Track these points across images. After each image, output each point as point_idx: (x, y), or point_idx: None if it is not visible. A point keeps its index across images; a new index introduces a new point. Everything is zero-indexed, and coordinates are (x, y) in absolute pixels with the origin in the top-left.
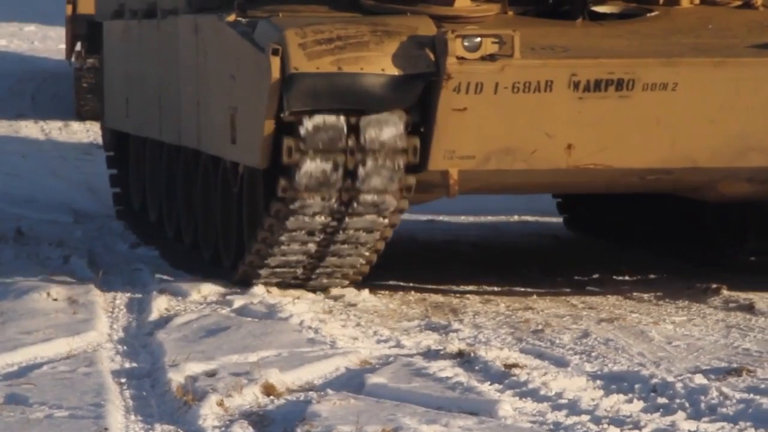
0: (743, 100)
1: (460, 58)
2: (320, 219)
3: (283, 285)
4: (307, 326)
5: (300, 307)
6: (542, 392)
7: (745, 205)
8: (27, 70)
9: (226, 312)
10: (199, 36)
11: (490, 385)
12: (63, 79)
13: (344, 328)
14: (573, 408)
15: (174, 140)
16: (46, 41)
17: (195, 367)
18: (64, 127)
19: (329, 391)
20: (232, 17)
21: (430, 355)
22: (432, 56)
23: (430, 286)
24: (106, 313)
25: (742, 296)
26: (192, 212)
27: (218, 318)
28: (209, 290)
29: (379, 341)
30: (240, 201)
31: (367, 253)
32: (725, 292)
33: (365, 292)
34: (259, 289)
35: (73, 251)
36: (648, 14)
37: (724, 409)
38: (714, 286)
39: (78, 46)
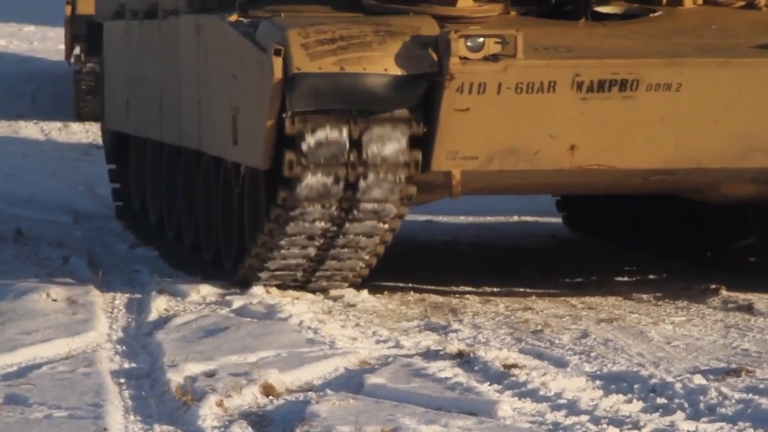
0: (747, 101)
1: (463, 59)
2: (320, 224)
3: (283, 286)
4: (306, 327)
5: (299, 307)
6: (541, 392)
7: (747, 205)
8: (26, 70)
9: (225, 312)
10: (201, 36)
11: (490, 385)
12: (62, 79)
13: (343, 329)
14: (572, 408)
15: (175, 141)
16: (46, 42)
17: (194, 368)
18: (64, 128)
19: (328, 391)
20: (233, 17)
21: (430, 355)
22: (435, 56)
23: (429, 287)
24: (105, 314)
25: (741, 297)
26: (193, 213)
27: (217, 318)
28: (208, 291)
29: (378, 341)
30: (241, 202)
31: (366, 257)
32: (724, 293)
33: (364, 293)
34: (258, 290)
35: (73, 252)
36: (651, 14)
37: (723, 410)
38: (713, 286)
39: (77, 50)
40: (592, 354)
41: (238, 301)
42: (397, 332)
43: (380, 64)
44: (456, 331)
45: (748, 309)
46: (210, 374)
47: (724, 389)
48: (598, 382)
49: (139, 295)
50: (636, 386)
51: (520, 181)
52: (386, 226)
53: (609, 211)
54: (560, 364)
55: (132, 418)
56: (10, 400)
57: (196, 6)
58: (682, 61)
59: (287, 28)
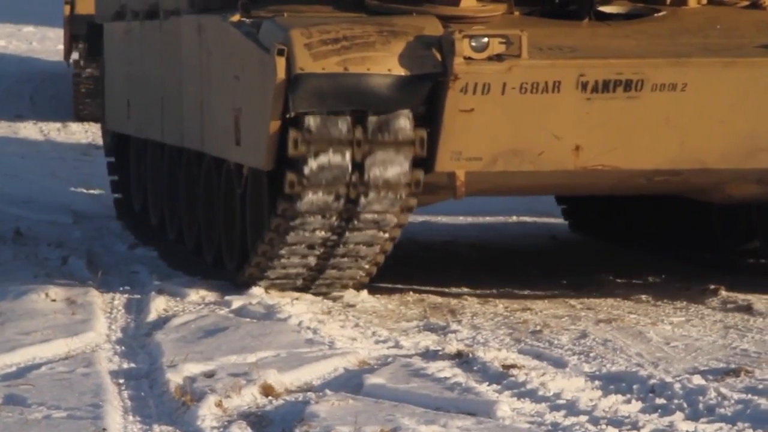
0: (753, 101)
1: (468, 59)
2: (320, 234)
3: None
4: (305, 327)
5: (298, 307)
6: (540, 393)
7: (751, 207)
8: (25, 70)
9: (224, 313)
10: (203, 36)
11: (489, 385)
12: (61, 80)
13: (343, 329)
14: (571, 408)
15: (176, 142)
16: (45, 42)
17: (193, 368)
18: (63, 128)
19: (328, 391)
20: (236, 17)
21: (429, 355)
22: (439, 56)
23: (428, 287)
24: (104, 314)
25: (741, 297)
26: (194, 214)
27: (217, 319)
28: (207, 291)
29: (377, 342)
30: (244, 203)
31: (366, 266)
32: (723, 293)
33: (364, 293)
34: (257, 290)
35: (72, 252)
36: (655, 14)
37: (722, 410)
38: (712, 287)
39: (76, 55)
40: (591, 354)
41: (237, 302)
42: (397, 332)
43: (384, 64)
44: (455, 331)
45: (747, 309)
46: (209, 374)
47: (723, 390)
48: (597, 383)
49: (139, 296)
50: (635, 386)
51: (525, 181)
52: (386, 235)
53: (614, 214)
54: (559, 364)
55: (131, 418)
56: (9, 400)
57: (198, 6)
58: (687, 61)
59: (290, 28)
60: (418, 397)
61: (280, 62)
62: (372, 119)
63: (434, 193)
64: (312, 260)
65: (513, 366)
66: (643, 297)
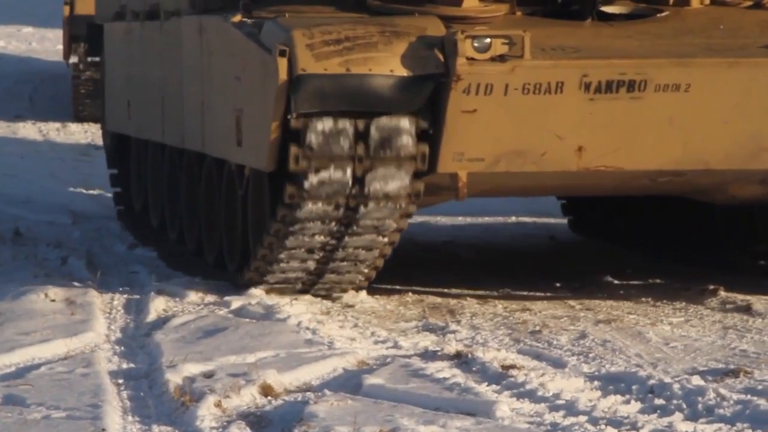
0: (756, 101)
1: (470, 59)
2: (320, 239)
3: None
4: (304, 327)
5: (298, 308)
6: (540, 393)
7: (754, 207)
8: (25, 71)
9: (223, 313)
10: (204, 37)
11: (488, 385)
12: (61, 80)
13: (342, 329)
14: (570, 409)
15: (177, 143)
16: (44, 42)
17: (193, 368)
18: (62, 128)
19: (327, 391)
20: (237, 18)
21: (428, 356)
22: (441, 57)
23: (427, 288)
24: (103, 314)
25: (740, 297)
26: (195, 215)
27: (216, 319)
28: (207, 291)
29: (376, 342)
30: (245, 204)
31: (366, 270)
32: (722, 294)
33: (363, 294)
34: (257, 291)
35: (71, 252)
36: (658, 14)
37: (721, 410)
38: (711, 287)
39: (75, 59)
40: (591, 355)
41: (236, 302)
42: (396, 333)
43: (386, 65)
44: (454, 331)
45: (747, 310)
46: (208, 375)
47: (722, 390)
48: (596, 383)
49: (138, 296)
50: (634, 387)
51: (527, 182)
52: (386, 239)
53: (615, 215)
54: (558, 364)
55: (130, 418)
56: (9, 400)
57: (199, 7)
58: (690, 62)
59: (292, 29)
60: (417, 397)
61: (282, 63)
62: (374, 135)
63: (436, 194)
64: (311, 264)
65: (512, 366)
66: (642, 297)
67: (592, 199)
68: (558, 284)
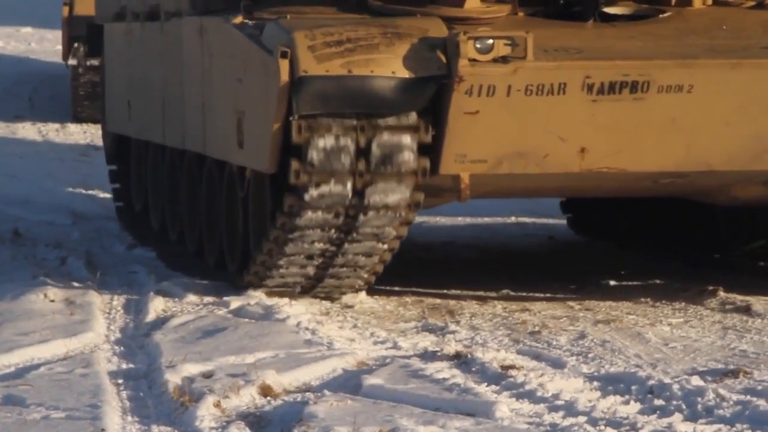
0: (760, 102)
1: (472, 60)
2: (319, 245)
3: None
4: (304, 327)
5: (297, 308)
6: (539, 393)
7: (756, 208)
8: (24, 71)
9: (222, 313)
10: (205, 38)
11: (487, 386)
12: (60, 80)
13: (341, 330)
14: (570, 409)
15: (178, 144)
16: (43, 43)
17: (192, 368)
18: (62, 129)
19: (326, 392)
20: (238, 19)
21: (427, 356)
22: (443, 58)
23: (427, 288)
24: (103, 315)
25: (739, 298)
26: (196, 217)
27: (215, 319)
28: (206, 291)
29: (376, 342)
30: (246, 206)
31: (365, 275)
32: (722, 294)
33: (362, 294)
34: (256, 291)
35: (71, 252)
36: (660, 15)
37: (720, 411)
38: (711, 287)
39: (75, 61)
40: (590, 355)
41: (235, 302)
42: (395, 333)
43: (388, 66)
44: (453, 332)
45: (746, 310)
46: (208, 375)
47: (721, 391)
48: (595, 384)
49: (137, 296)
50: (633, 387)
51: (529, 184)
52: (385, 246)
53: (616, 214)
54: (558, 365)
55: (130, 418)
56: (8, 400)
57: (199, 8)
58: (693, 63)
59: (294, 30)
60: (417, 397)
61: (284, 65)
62: (375, 152)
63: (438, 196)
64: (310, 270)
65: (511, 367)
66: (642, 298)
67: (592, 199)
68: (557, 284)
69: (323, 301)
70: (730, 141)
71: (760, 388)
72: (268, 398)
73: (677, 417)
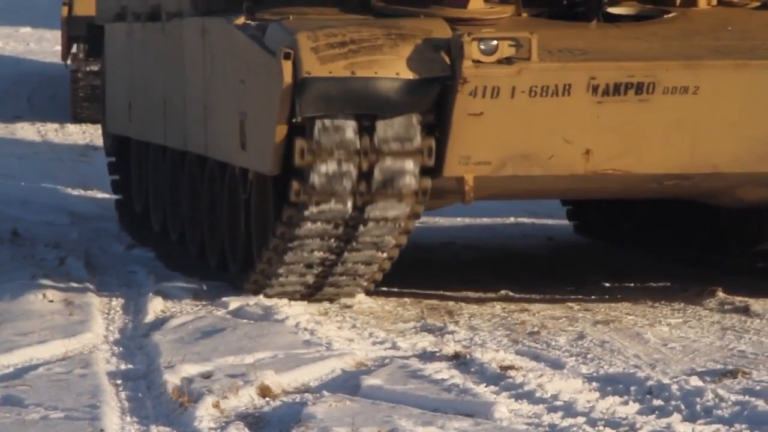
0: (765, 103)
1: (477, 62)
2: (319, 254)
3: None
4: (302, 328)
5: (296, 308)
6: (538, 394)
7: (761, 210)
8: (23, 72)
9: (221, 314)
10: (206, 39)
11: (486, 386)
12: (59, 81)
13: (340, 330)
14: (569, 410)
15: (179, 146)
16: (42, 43)
17: (191, 369)
18: (60, 129)
19: (325, 392)
20: (240, 20)
21: (426, 356)
22: (447, 60)
23: (426, 288)
24: (101, 315)
25: (738, 298)
26: (197, 218)
27: (214, 320)
28: (205, 292)
29: (374, 343)
30: (248, 207)
31: (365, 283)
32: (721, 295)
33: (361, 294)
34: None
35: (69, 253)
36: (665, 16)
37: (719, 411)
38: (710, 288)
39: (74, 65)
40: (589, 356)
41: (234, 303)
42: (394, 334)
43: (392, 67)
44: (452, 332)
45: (745, 311)
46: (206, 375)
47: (720, 391)
48: (594, 384)
49: (136, 297)
50: (632, 388)
51: (534, 186)
52: (385, 255)
53: (619, 216)
54: (557, 365)
55: (128, 419)
56: (7, 401)
57: (201, 8)
58: (699, 64)
59: (297, 32)
60: (416, 398)
61: (287, 66)
62: (377, 177)
63: (442, 198)
64: (310, 279)
65: (510, 367)
66: (641, 298)
67: (596, 201)
68: (556, 285)
69: (322, 302)
70: (736, 142)
71: (758, 388)
72: (267, 399)
73: (676, 417)
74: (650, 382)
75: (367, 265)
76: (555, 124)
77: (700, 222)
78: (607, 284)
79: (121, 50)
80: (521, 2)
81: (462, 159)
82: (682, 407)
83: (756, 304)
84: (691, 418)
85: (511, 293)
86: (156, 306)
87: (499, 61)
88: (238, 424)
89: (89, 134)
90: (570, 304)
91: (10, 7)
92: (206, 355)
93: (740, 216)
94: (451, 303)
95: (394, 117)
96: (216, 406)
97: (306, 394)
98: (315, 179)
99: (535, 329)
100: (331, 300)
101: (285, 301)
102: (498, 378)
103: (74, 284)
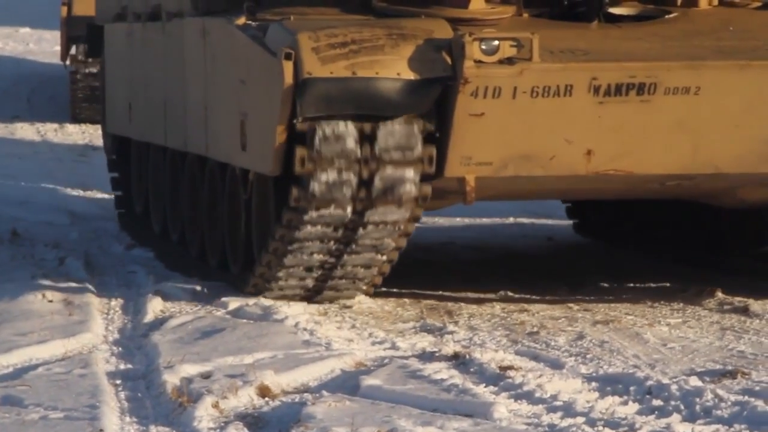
0: (767, 104)
1: (478, 62)
2: (318, 257)
3: None
4: (302, 328)
5: (295, 309)
6: (537, 394)
7: (762, 210)
8: (22, 72)
9: (221, 314)
10: (207, 39)
11: (485, 387)
12: (58, 81)
13: (339, 330)
14: (568, 410)
15: (180, 146)
16: (41, 43)
17: (190, 369)
18: (60, 129)
19: (324, 392)
20: (241, 20)
21: (426, 356)
22: (449, 60)
23: (425, 289)
24: (101, 315)
25: (737, 299)
26: (197, 218)
27: (213, 320)
28: (204, 292)
29: (374, 343)
30: (249, 208)
31: (364, 287)
32: (720, 295)
33: (360, 295)
34: None
35: (69, 253)
36: (666, 16)
37: (718, 412)
38: (709, 288)
39: (73, 67)
40: (588, 356)
41: (234, 303)
42: (393, 334)
43: (393, 68)
44: (452, 332)
45: (744, 311)
46: (206, 375)
47: (719, 391)
48: (594, 384)
49: (135, 297)
50: (632, 388)
51: (535, 186)
52: (384, 258)
53: (619, 216)
54: (556, 365)
55: (128, 419)
56: (6, 401)
57: (202, 9)
58: (700, 64)
59: (298, 32)
60: (415, 398)
61: (288, 66)
62: (378, 185)
63: (443, 198)
64: (309, 282)
65: (510, 367)
66: (640, 298)
67: (597, 201)
68: (556, 285)
69: (322, 302)
70: (738, 143)
71: (758, 388)
72: (266, 399)
73: (675, 417)
74: (650, 382)
75: (366, 269)
76: (556, 124)
77: (700, 222)
78: (607, 284)
79: (121, 50)
80: (522, 2)
81: (463, 159)
82: (682, 407)
83: (755, 305)
84: (690, 418)
85: (510, 293)
86: (155, 306)
87: (501, 62)
88: (238, 424)
89: (89, 134)
90: (569, 304)
91: (9, 8)
92: (206, 356)
93: (740, 217)
94: (450, 303)
95: (395, 118)
96: (215, 406)
97: (305, 394)
98: (315, 187)
99: (535, 329)
100: (330, 301)
101: (284, 301)
102: (497, 378)
103: (74, 284)
